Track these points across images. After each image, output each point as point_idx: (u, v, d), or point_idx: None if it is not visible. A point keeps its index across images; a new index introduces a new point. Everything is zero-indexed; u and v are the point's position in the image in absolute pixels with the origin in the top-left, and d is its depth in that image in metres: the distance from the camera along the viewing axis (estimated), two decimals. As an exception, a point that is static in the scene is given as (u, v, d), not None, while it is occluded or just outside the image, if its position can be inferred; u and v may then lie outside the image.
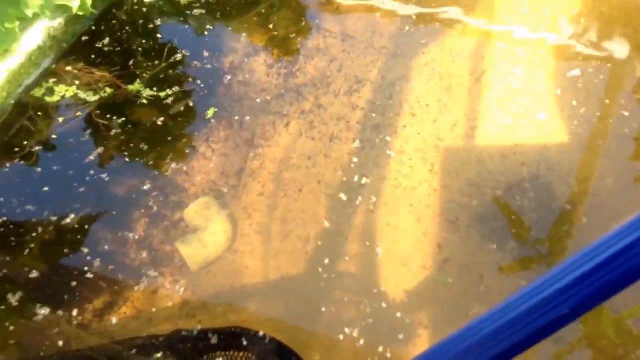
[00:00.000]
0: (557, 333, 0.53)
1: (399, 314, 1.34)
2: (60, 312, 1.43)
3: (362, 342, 1.30)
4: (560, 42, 1.84)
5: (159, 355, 1.31)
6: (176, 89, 1.89)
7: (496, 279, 1.37)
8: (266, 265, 1.48)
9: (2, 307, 1.42)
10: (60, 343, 1.37)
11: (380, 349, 1.29)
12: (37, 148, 1.76)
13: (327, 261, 1.45)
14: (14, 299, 1.43)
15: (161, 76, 1.93)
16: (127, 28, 2.13)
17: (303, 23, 2.08)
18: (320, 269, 1.44)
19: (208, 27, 2.12)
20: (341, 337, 1.31)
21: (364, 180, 1.59)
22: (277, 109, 1.80)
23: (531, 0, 1.99)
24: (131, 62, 1.98)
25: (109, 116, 1.82)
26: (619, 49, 1.78)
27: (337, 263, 1.45)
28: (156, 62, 1.98)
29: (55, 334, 1.39)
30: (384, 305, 1.36)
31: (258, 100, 1.83)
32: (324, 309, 1.37)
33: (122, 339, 1.36)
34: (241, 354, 1.28)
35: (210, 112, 1.81)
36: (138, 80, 1.90)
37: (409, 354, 1.28)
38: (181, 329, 1.37)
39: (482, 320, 0.76)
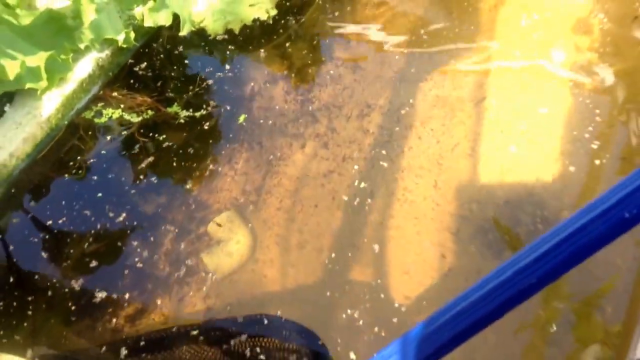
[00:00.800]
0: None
1: (403, 313, 1.46)
2: (95, 316, 1.56)
3: (372, 337, 1.42)
4: (553, 69, 1.99)
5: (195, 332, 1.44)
6: (208, 109, 2.08)
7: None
8: (284, 274, 1.61)
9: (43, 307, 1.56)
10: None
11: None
12: (86, 163, 1.95)
13: (340, 270, 1.58)
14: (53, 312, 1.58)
15: (194, 100, 2.12)
16: (163, 58, 2.34)
17: (317, 54, 2.26)
18: (333, 277, 1.56)
19: (232, 57, 2.30)
20: (355, 335, 1.43)
21: (374, 196, 1.72)
22: (294, 132, 1.95)
23: (524, 31, 2.14)
24: (168, 88, 2.18)
25: (150, 134, 2.02)
26: (607, 76, 1.91)
27: (349, 272, 1.57)
28: (190, 87, 2.18)
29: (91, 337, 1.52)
30: (391, 308, 1.48)
31: (276, 124, 1.98)
32: (337, 314, 1.49)
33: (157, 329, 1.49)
34: (266, 339, 1.40)
35: (241, 118, 1.97)
36: (175, 103, 2.11)
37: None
38: (213, 318, 1.50)
39: (464, 294, 0.90)
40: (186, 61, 2.33)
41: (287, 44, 2.32)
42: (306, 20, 2.42)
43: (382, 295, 1.51)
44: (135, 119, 2.07)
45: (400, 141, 1.85)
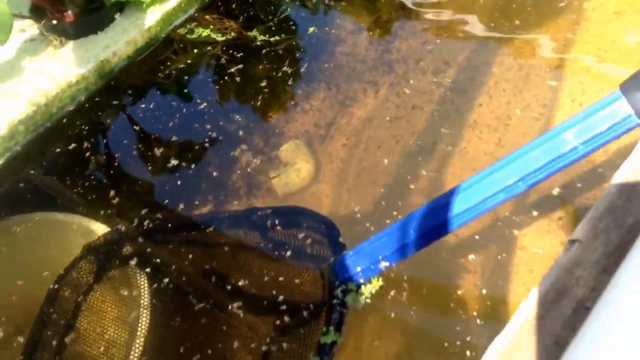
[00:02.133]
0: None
1: (447, 255, 1.51)
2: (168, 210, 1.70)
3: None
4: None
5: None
6: (284, 36, 2.21)
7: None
8: (338, 200, 1.69)
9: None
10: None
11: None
12: (176, 72, 2.13)
13: (388, 205, 1.64)
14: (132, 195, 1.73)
15: (277, 32, 2.25)
16: None
17: (405, 10, 2.30)
18: (380, 211, 1.63)
19: (323, 5, 2.39)
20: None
21: (436, 145, 1.76)
22: (370, 78, 2.01)
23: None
24: (252, 18, 2.33)
25: (231, 52, 2.17)
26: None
27: (397, 209, 1.64)
28: (270, 18, 2.33)
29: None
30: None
31: (356, 69, 2.05)
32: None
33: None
34: (301, 234, 1.52)
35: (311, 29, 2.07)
36: (255, 29, 2.25)
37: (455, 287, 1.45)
38: (255, 207, 1.63)
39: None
40: (274, 2, 2.44)
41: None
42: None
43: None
44: (220, 38, 2.23)
45: (471, 97, 1.87)
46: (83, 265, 1.46)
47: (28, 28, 2.13)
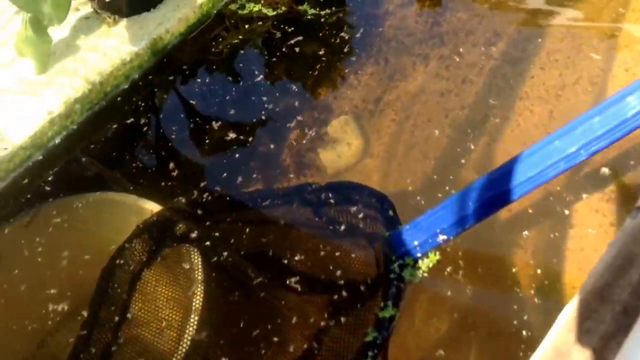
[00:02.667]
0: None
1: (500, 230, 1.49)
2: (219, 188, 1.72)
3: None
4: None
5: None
6: (334, 9, 2.19)
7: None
8: (388, 176, 1.68)
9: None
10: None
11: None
12: (227, 49, 2.14)
13: (441, 181, 1.62)
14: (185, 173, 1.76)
15: (328, 4, 2.22)
16: None
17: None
18: (434, 186, 1.61)
19: None
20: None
21: (487, 118, 1.73)
22: (419, 52, 1.98)
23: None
24: None
25: (282, 27, 2.16)
26: None
27: (451, 186, 1.62)
28: None
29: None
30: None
31: (404, 43, 2.02)
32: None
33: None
34: (347, 203, 1.52)
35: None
36: (306, 3, 2.23)
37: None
38: (307, 182, 1.64)
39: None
40: None
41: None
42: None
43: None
44: (271, 13, 2.22)
45: (522, 69, 1.82)
46: (137, 244, 1.49)
47: (82, 7, 2.15)
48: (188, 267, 1.46)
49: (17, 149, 1.70)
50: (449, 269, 1.41)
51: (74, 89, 1.85)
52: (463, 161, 1.66)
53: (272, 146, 1.81)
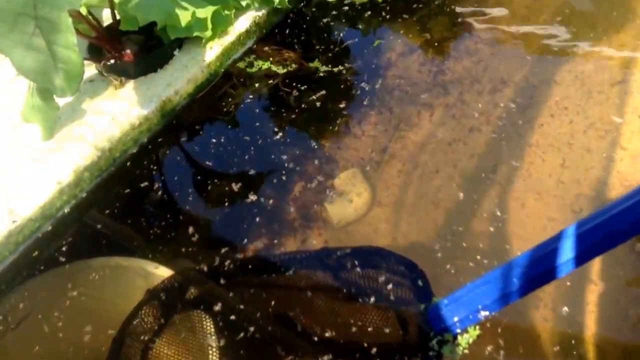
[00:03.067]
0: None
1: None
2: (227, 249, 1.68)
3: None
4: None
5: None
6: (345, 70, 2.16)
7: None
8: (396, 231, 1.62)
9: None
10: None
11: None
12: (236, 107, 2.12)
13: (452, 233, 1.56)
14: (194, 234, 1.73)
15: (333, 61, 2.22)
16: (310, 21, 2.47)
17: (456, 28, 2.22)
18: (445, 240, 1.55)
19: (372, 25, 2.36)
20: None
21: (497, 168, 1.67)
22: (424, 101, 1.94)
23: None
24: (311, 47, 2.31)
25: (293, 84, 2.14)
26: None
27: (463, 237, 1.55)
28: (332, 48, 2.29)
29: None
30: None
31: (408, 92, 1.99)
32: (446, 269, 1.48)
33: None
34: (375, 271, 1.45)
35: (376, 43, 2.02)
36: (317, 60, 2.22)
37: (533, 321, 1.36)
38: (328, 247, 1.57)
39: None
40: (331, 25, 2.42)
41: (427, 17, 2.31)
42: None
43: (487, 265, 1.47)
44: (281, 70, 2.20)
45: (531, 117, 1.77)
46: (147, 310, 1.43)
47: (87, 69, 2.05)
48: (201, 334, 1.40)
49: (26, 221, 1.64)
50: (489, 348, 1.33)
51: (83, 157, 1.80)
52: (474, 212, 1.60)
53: (278, 200, 1.76)
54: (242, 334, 1.39)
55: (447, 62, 2.05)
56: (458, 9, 2.33)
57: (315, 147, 1.90)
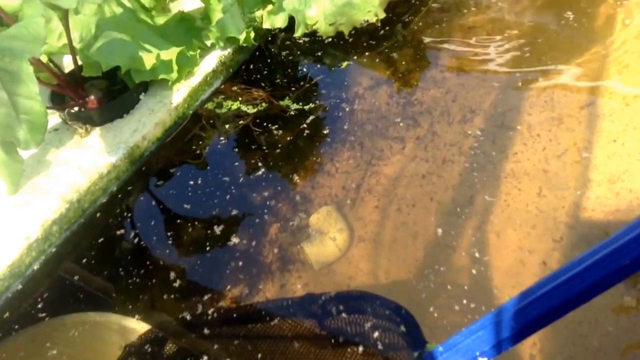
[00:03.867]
0: None
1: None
2: (205, 297, 1.57)
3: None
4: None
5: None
6: (314, 107, 2.08)
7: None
8: (377, 269, 1.53)
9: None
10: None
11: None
12: (206, 150, 2.03)
13: (433, 269, 1.48)
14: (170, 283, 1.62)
15: (303, 98, 2.14)
16: (277, 58, 2.40)
17: (422, 60, 2.17)
18: (427, 276, 1.47)
19: (339, 60, 2.30)
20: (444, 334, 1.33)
21: (473, 200, 1.61)
22: (395, 134, 1.88)
23: None
24: (280, 85, 2.24)
25: (264, 123, 2.06)
26: None
27: (444, 272, 1.48)
28: (301, 84, 2.21)
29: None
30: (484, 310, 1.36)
31: (378, 126, 1.92)
32: (429, 311, 1.40)
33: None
34: (362, 317, 1.35)
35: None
36: (287, 97, 2.15)
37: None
38: (312, 293, 1.47)
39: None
40: (298, 61, 2.36)
41: (393, 49, 2.26)
42: (413, 27, 2.35)
43: (472, 305, 1.39)
44: (251, 110, 2.12)
45: (503, 146, 1.72)
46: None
47: (50, 117, 1.97)
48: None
49: (-5, 282, 1.54)
50: None
51: (50, 210, 1.68)
52: (454, 245, 1.52)
53: (253, 243, 1.66)
54: None
55: (414, 94, 2.00)
56: (423, 39, 2.29)
57: (289, 186, 1.81)
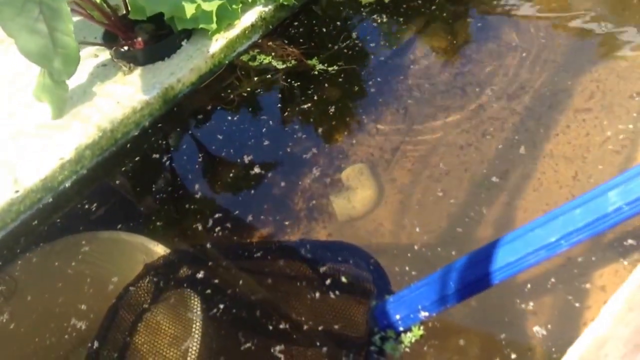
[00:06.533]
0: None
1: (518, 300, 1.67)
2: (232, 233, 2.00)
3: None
4: None
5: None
6: (345, 66, 2.55)
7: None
8: (400, 229, 1.88)
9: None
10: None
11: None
12: (237, 98, 2.50)
13: (455, 238, 1.82)
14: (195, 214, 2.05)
15: (334, 57, 2.60)
16: (320, 19, 2.87)
17: (481, 32, 2.55)
18: (448, 243, 1.81)
19: (394, 28, 2.73)
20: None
21: (507, 175, 1.95)
22: (440, 103, 2.24)
23: None
24: (314, 44, 2.71)
25: (289, 80, 2.52)
26: None
27: (465, 241, 1.81)
28: (335, 47, 2.67)
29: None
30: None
31: (426, 93, 2.31)
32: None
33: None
34: (343, 267, 1.77)
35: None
36: (315, 57, 2.61)
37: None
38: (305, 239, 1.90)
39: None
40: (337, 23, 2.83)
41: (451, 20, 2.66)
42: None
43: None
44: (281, 65, 2.59)
45: (547, 126, 2.05)
46: (142, 284, 1.76)
47: (101, 54, 2.58)
48: (188, 310, 1.70)
49: (28, 192, 2.02)
50: (431, 349, 1.58)
51: (86, 136, 2.19)
52: (480, 217, 1.87)
53: (285, 190, 2.07)
54: (224, 314, 1.69)
55: (468, 65, 2.37)
56: (481, 7, 2.68)
57: (325, 141, 2.21)
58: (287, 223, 1.97)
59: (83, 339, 1.76)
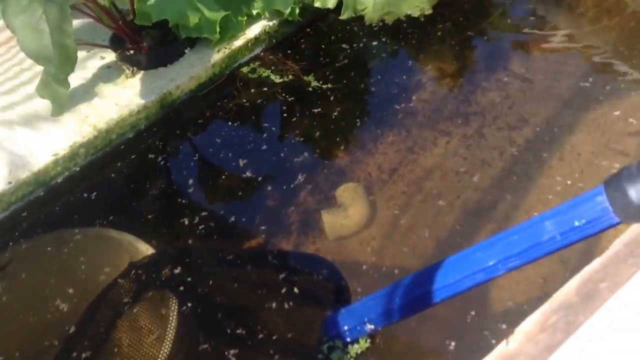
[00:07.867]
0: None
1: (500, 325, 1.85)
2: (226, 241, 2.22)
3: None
4: None
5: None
6: (339, 85, 2.82)
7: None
8: (386, 251, 2.08)
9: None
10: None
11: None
12: (234, 108, 2.79)
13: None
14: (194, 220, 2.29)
15: (331, 76, 2.87)
16: (323, 37, 3.17)
17: (490, 60, 2.81)
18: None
19: (396, 49, 3.06)
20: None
21: (498, 205, 2.14)
22: (443, 128, 2.46)
23: None
24: (315, 61, 3.01)
25: (284, 95, 2.80)
26: None
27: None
28: (336, 65, 2.96)
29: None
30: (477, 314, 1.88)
31: (429, 117, 2.54)
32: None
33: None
34: (309, 277, 2.00)
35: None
36: (312, 74, 2.89)
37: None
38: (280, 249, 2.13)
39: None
40: (341, 42, 3.11)
41: (461, 46, 2.93)
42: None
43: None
44: (278, 79, 2.87)
45: (542, 160, 2.26)
46: (125, 283, 1.98)
47: (108, 56, 2.89)
48: (166, 311, 1.91)
49: (21, 184, 2.28)
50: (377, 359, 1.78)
51: (81, 135, 2.47)
52: (467, 244, 2.00)
53: (279, 202, 2.30)
54: (197, 316, 1.91)
55: (474, 93, 2.61)
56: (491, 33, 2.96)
57: (325, 156, 2.48)
58: (277, 236, 2.20)
59: (64, 332, 1.96)
